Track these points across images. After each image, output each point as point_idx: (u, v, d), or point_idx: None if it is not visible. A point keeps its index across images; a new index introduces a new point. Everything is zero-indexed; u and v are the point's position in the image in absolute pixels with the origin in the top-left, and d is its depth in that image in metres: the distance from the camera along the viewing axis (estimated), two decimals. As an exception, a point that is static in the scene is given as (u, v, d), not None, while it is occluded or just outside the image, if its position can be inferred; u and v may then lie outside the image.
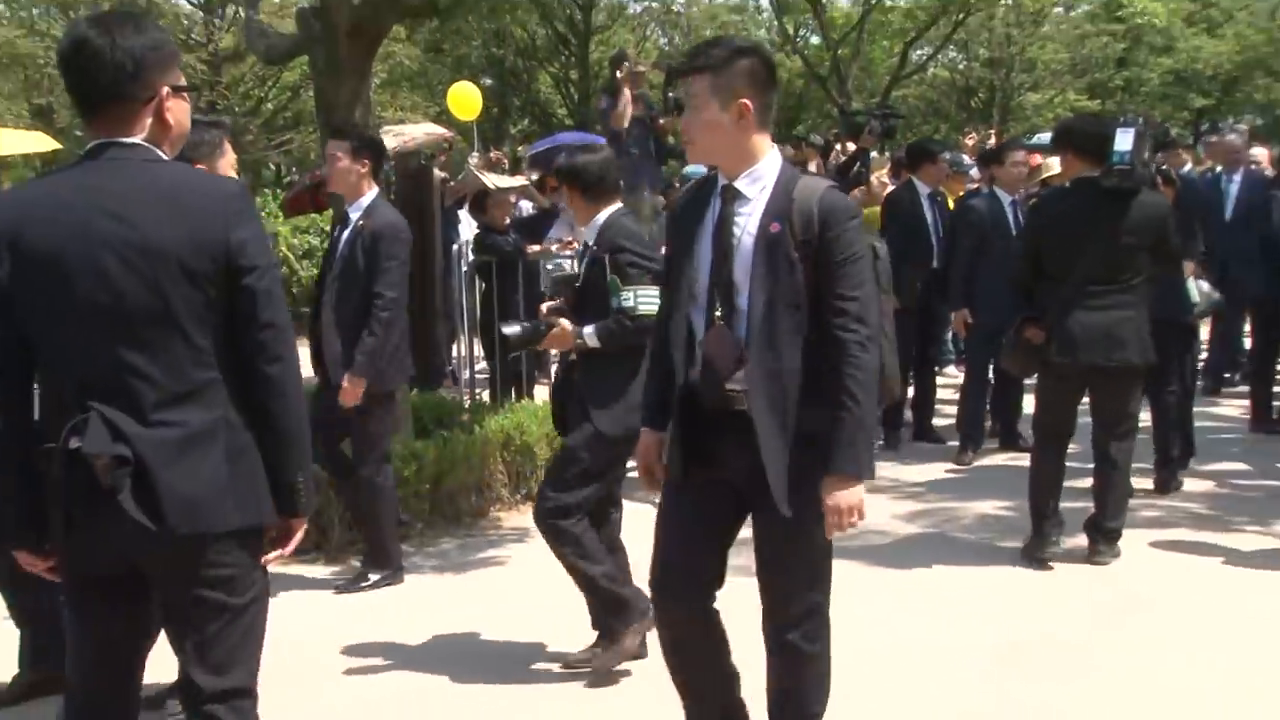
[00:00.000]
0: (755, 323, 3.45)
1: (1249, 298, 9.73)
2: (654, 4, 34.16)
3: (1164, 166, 6.94)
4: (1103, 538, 6.14)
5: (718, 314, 3.51)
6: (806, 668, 3.64)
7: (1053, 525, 6.18)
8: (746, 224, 3.54)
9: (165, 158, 3.10)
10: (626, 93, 9.50)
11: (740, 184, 3.55)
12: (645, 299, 4.99)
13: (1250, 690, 4.86)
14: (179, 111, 3.11)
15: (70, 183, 3.01)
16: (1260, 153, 11.83)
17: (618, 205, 5.37)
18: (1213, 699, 4.72)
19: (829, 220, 3.41)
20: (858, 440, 3.36)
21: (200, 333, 2.96)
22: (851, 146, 10.67)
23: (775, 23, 30.81)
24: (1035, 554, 6.16)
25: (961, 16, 28.16)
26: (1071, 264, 5.96)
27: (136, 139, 3.00)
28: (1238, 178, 10.25)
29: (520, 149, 21.94)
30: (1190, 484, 7.93)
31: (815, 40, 29.01)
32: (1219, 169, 10.77)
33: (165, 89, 3.01)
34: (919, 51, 30.52)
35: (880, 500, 7.42)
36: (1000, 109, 32.53)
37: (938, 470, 8.52)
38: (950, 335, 10.99)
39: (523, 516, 7.34)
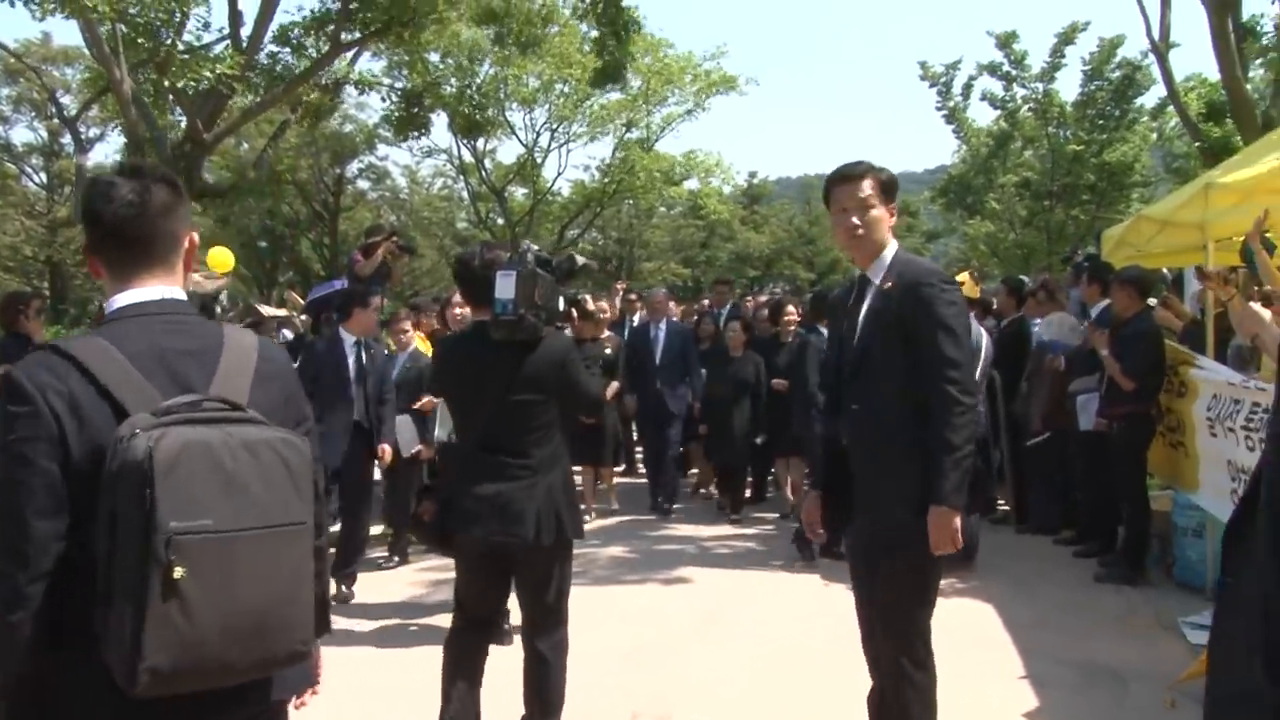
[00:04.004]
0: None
1: (679, 414, 9.35)
2: (386, 193, 34.46)
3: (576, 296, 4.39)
4: None
5: None
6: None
7: None
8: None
9: None
10: (378, 255, 8.71)
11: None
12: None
13: (782, 660, 5.48)
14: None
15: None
16: (674, 306, 11.17)
17: None
18: (765, 673, 5.07)
19: None
20: None
21: None
22: None
23: (472, 208, 30.72)
24: None
25: (600, 209, 28.87)
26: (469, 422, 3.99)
27: None
28: (664, 326, 9.58)
29: (294, 296, 22.11)
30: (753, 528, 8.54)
31: (500, 221, 28.65)
32: (648, 319, 9.93)
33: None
34: (572, 231, 30.48)
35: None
36: (626, 273, 34.11)
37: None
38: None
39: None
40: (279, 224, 31.44)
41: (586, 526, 8.30)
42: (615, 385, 9.01)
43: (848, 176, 3.40)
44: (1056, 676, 5.12)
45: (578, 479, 9.14)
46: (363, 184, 34.05)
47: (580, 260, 4.18)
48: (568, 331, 4.12)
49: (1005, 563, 7.34)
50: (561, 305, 4.01)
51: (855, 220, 3.37)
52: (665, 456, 9.60)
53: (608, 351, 8.94)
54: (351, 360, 6.70)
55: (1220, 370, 6.01)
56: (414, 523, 4.19)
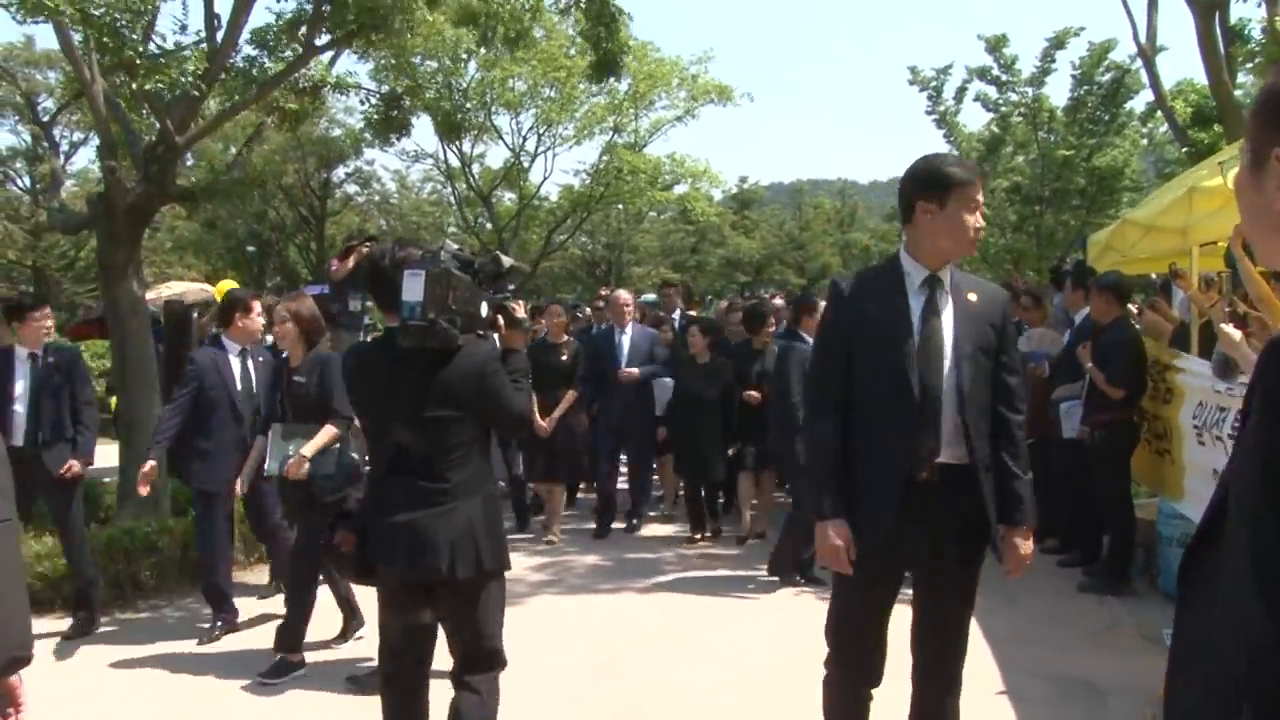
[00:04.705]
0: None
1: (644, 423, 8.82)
2: (375, 196, 34.18)
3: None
4: None
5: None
6: None
7: None
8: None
9: None
10: (351, 260, 8.68)
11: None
12: None
13: (758, 672, 5.53)
14: None
15: None
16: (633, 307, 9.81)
17: None
18: (741, 685, 5.02)
19: None
20: None
21: None
22: None
23: (459, 212, 30.07)
24: None
25: (587, 214, 28.10)
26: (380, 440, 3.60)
27: None
28: (630, 330, 8.88)
29: (270, 300, 22.03)
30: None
31: (488, 226, 28.20)
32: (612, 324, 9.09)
33: None
34: (560, 236, 29.77)
35: (520, 557, 7.36)
36: (615, 277, 34.19)
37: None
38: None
39: (255, 575, 7.30)
40: (265, 229, 31.30)
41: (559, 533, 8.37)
42: (572, 395, 8.41)
43: (972, 180, 3.22)
44: (1034, 690, 5.05)
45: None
46: (350, 188, 33.89)
47: (507, 261, 3.75)
48: (494, 340, 3.69)
49: (987, 572, 7.17)
50: (485, 311, 3.59)
51: (981, 221, 3.24)
52: (642, 470, 9.18)
53: (564, 358, 8.43)
54: (237, 372, 6.20)
55: (1203, 370, 5.85)
56: (331, 553, 3.75)
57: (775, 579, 7.11)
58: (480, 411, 3.50)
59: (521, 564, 7.51)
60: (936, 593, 3.33)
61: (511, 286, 3.87)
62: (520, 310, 3.87)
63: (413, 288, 3.35)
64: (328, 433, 5.33)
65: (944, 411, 3.18)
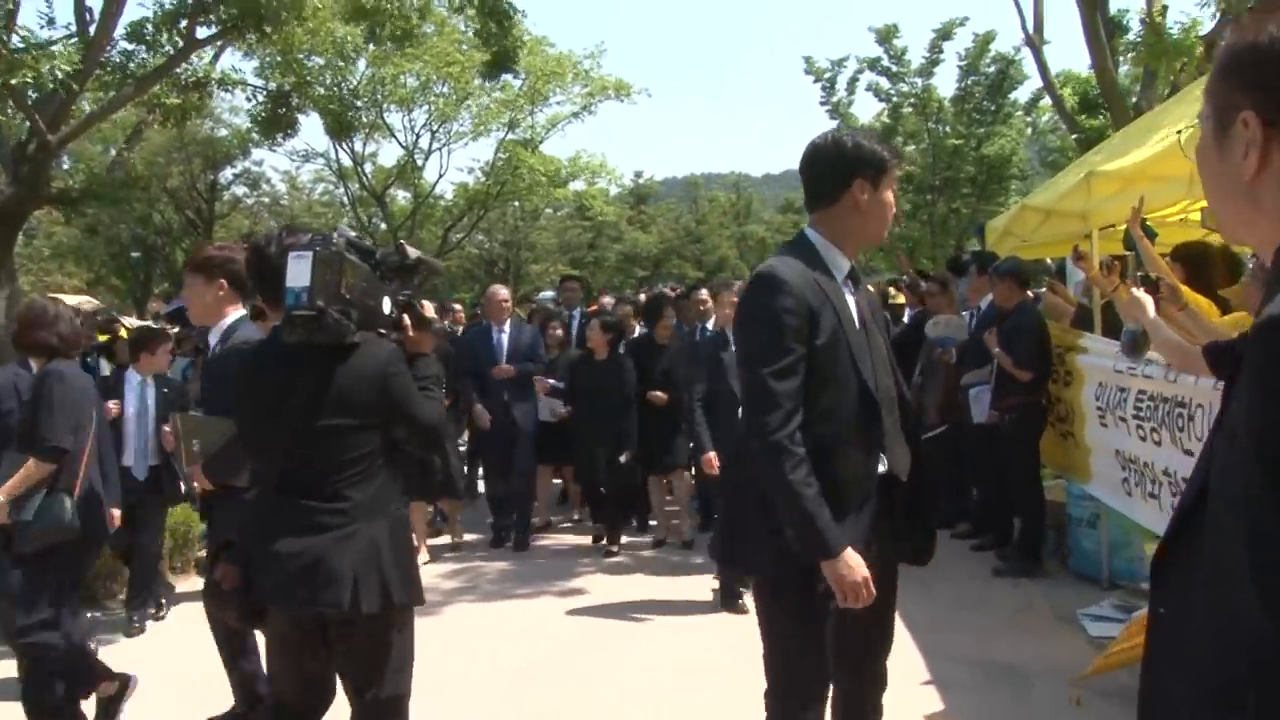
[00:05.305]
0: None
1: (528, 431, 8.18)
2: (265, 198, 33.19)
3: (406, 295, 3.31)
4: None
5: None
6: None
7: None
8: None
9: None
10: None
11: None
12: None
13: (679, 672, 5.57)
14: None
15: None
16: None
17: None
18: (663, 687, 4.91)
19: None
20: None
21: None
22: None
23: (353, 212, 28.87)
24: None
25: (484, 211, 27.66)
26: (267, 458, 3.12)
27: None
28: (508, 327, 8.23)
29: (157, 306, 21.32)
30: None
31: (383, 226, 27.42)
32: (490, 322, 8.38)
33: None
34: (457, 235, 29.29)
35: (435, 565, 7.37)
36: (514, 275, 33.84)
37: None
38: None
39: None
40: (150, 233, 30.11)
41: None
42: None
43: (897, 162, 3.00)
44: (958, 677, 5.03)
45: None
46: (239, 190, 32.87)
47: (413, 253, 3.24)
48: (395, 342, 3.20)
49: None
50: (388, 307, 3.15)
51: (894, 204, 3.04)
52: (520, 480, 8.29)
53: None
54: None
55: (1108, 349, 5.80)
56: (211, 591, 3.14)
57: (697, 578, 7.01)
58: (384, 419, 3.04)
59: (432, 571, 7.30)
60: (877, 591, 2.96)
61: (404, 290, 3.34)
62: (430, 309, 3.35)
63: (298, 272, 2.86)
64: (25, 470, 4.46)
65: (891, 410, 2.98)
